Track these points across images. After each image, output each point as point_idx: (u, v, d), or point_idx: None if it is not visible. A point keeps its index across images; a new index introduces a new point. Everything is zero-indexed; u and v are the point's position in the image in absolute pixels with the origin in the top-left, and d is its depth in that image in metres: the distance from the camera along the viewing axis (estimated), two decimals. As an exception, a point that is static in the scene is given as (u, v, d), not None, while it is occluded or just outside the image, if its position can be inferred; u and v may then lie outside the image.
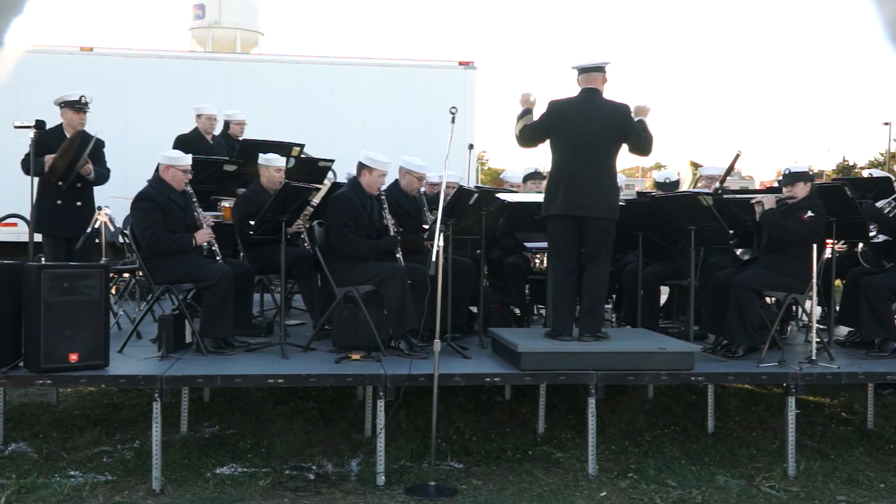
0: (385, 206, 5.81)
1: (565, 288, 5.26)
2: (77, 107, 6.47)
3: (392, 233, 5.73)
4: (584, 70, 5.21)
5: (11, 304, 4.64)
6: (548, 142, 5.28)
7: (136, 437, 5.48)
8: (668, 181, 7.53)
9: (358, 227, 5.61)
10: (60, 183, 6.31)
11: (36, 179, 6.26)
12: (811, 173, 5.93)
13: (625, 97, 5.25)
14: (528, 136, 5.32)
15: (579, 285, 5.33)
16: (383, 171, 5.78)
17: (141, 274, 6.44)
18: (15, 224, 9.75)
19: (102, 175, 6.60)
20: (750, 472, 5.03)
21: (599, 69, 5.20)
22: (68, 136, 6.45)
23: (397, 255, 5.66)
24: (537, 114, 5.33)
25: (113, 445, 5.33)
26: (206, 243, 5.59)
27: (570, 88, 5.98)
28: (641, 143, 5.22)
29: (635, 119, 5.23)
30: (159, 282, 5.41)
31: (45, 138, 6.35)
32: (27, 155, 6.19)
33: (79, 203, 6.48)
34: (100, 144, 6.64)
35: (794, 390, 5.06)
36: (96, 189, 6.71)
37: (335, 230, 5.57)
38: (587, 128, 5.10)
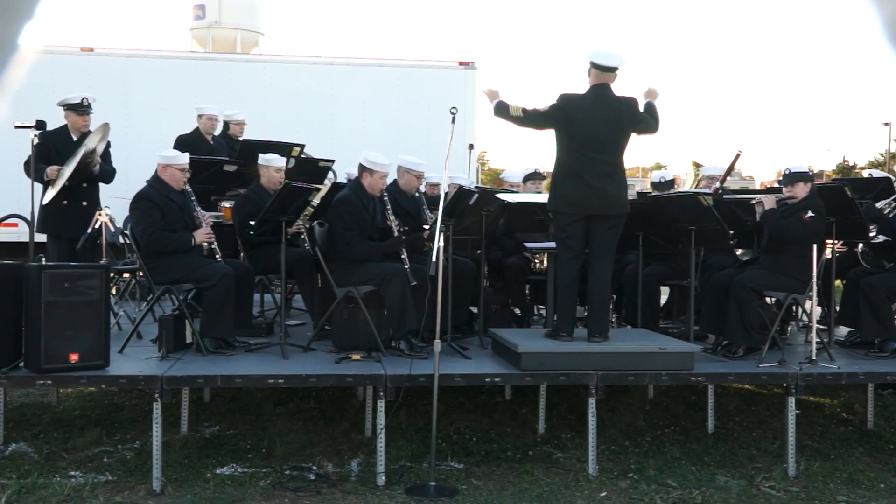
0: (388, 206, 5.79)
1: (571, 288, 5.24)
2: (80, 109, 6.46)
3: (396, 233, 5.71)
4: (603, 68, 5.08)
5: (12, 304, 4.64)
6: (554, 136, 5.21)
7: (137, 438, 5.48)
8: (663, 181, 7.55)
9: (361, 230, 5.60)
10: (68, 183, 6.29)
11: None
12: (811, 173, 5.94)
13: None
14: (535, 121, 5.21)
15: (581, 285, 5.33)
16: (384, 172, 5.76)
17: (141, 274, 6.43)
18: (15, 224, 9.72)
19: (109, 173, 6.60)
20: (750, 472, 5.03)
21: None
22: (74, 137, 6.44)
23: (402, 256, 5.63)
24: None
25: (113, 446, 5.33)
26: (205, 243, 5.60)
27: (569, 87, 5.92)
28: (648, 126, 5.23)
29: (645, 101, 5.25)
30: (159, 282, 5.41)
31: (51, 139, 6.33)
32: (30, 157, 6.19)
33: (84, 203, 6.48)
34: (106, 144, 6.63)
35: (794, 390, 5.07)
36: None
37: (339, 234, 5.56)
38: (598, 125, 5.05)
